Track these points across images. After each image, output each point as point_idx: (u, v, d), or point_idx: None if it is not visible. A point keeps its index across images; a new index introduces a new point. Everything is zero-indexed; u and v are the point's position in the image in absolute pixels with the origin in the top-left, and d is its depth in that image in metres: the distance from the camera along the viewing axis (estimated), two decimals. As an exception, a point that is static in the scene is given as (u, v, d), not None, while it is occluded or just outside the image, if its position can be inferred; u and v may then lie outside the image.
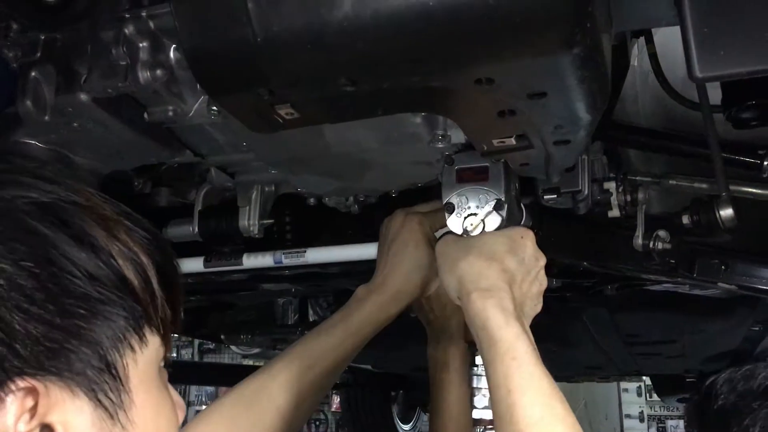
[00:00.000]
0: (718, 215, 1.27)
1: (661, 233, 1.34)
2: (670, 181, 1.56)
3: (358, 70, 0.76)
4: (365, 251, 1.55)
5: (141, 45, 1.08)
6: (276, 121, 0.88)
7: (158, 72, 1.09)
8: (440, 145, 1.14)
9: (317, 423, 7.98)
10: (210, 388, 7.91)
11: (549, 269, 1.85)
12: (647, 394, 9.76)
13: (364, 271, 1.76)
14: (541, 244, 1.10)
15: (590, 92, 0.81)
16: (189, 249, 1.68)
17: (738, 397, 0.98)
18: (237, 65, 0.78)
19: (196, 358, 7.91)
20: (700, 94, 1.35)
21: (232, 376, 5.27)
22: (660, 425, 9.92)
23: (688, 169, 1.60)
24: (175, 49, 1.08)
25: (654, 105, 1.61)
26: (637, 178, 1.49)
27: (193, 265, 1.65)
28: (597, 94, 0.82)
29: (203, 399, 8.03)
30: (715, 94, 1.37)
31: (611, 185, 1.35)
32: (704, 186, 1.52)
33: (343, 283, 2.05)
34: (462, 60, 0.73)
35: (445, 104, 0.86)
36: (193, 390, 8.00)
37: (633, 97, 1.61)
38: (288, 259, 1.57)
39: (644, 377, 6.01)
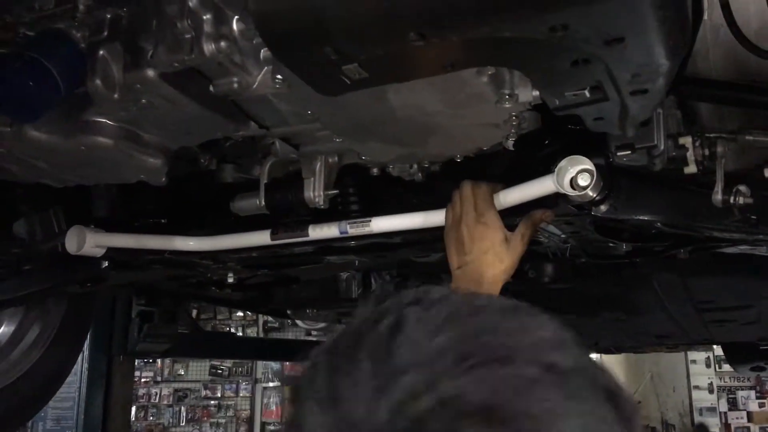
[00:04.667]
0: (803, 166, 1.21)
1: (742, 188, 1.28)
2: (747, 137, 1.49)
3: (427, 23, 0.74)
4: (430, 219, 1.54)
5: (205, 17, 1.08)
6: (343, 81, 0.87)
7: (222, 44, 1.09)
8: (507, 105, 1.11)
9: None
10: (276, 365, 8.08)
11: (619, 233, 1.81)
12: (716, 365, 9.50)
13: (429, 239, 1.75)
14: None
15: (671, 35, 0.77)
16: (255, 223, 1.71)
17: None
18: (304, 23, 0.77)
19: (261, 336, 8.08)
20: (779, 41, 1.28)
21: (296, 352, 5.36)
22: (730, 396, 9.66)
23: (764, 123, 1.53)
24: (237, 20, 1.09)
25: (726, 59, 1.54)
26: (713, 135, 1.43)
27: (260, 238, 1.67)
28: (677, 38, 0.78)
29: (269, 376, 8.21)
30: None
31: (687, 140, 1.30)
32: (784, 140, 1.45)
33: (407, 254, 2.04)
34: (536, 6, 0.71)
35: (517, 56, 0.84)
36: (260, 366, 8.18)
37: (704, 52, 1.55)
38: (353, 229, 1.57)
39: (713, 347, 5.84)
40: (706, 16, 1.47)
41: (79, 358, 3.45)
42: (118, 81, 1.18)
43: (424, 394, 0.48)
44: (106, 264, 1.83)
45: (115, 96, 1.19)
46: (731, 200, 1.28)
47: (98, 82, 1.18)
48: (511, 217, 1.52)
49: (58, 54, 1.17)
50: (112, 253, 1.75)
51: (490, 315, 0.57)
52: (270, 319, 7.72)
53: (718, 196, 1.28)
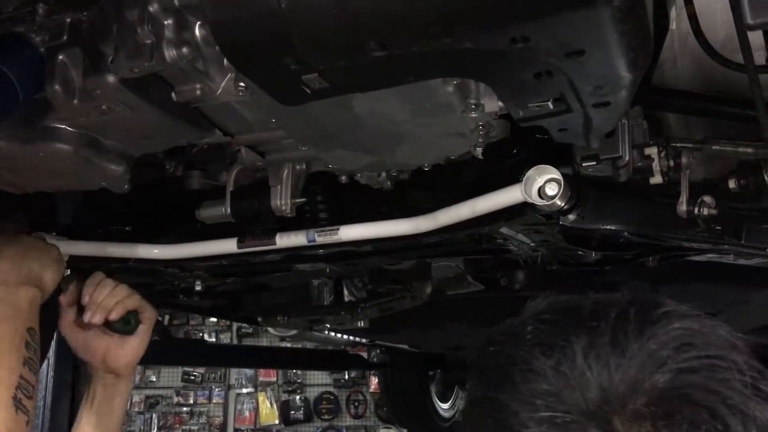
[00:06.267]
0: (766, 178, 1.22)
1: (707, 198, 1.29)
2: (713, 147, 1.50)
3: (387, 34, 0.73)
4: (399, 227, 1.53)
5: (166, 23, 1.06)
6: (303, 91, 0.86)
7: (184, 50, 1.07)
8: (473, 115, 1.11)
9: (356, 404, 8.02)
10: (249, 371, 8.01)
11: (588, 242, 1.81)
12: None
13: (398, 248, 1.74)
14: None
15: (631, 49, 0.77)
16: (222, 231, 1.68)
17: None
18: (262, 34, 0.75)
19: (235, 342, 8.00)
20: (744, 53, 1.29)
21: (270, 359, 5.33)
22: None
23: (730, 133, 1.54)
24: (200, 26, 1.07)
25: (693, 68, 1.55)
26: (678, 144, 1.44)
27: (226, 246, 1.65)
28: (638, 51, 0.78)
29: (243, 382, 8.14)
30: (758, 55, 1.32)
31: (653, 151, 1.30)
32: (749, 150, 1.46)
33: (378, 262, 2.03)
34: (496, 18, 0.70)
35: (479, 67, 0.83)
36: (233, 372, 8.10)
37: (671, 61, 1.56)
38: (321, 237, 1.55)
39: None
40: (674, 26, 1.49)
41: (45, 366, 3.38)
42: (78, 86, 1.15)
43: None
44: (68, 272, 1.79)
45: (75, 102, 1.16)
46: (696, 211, 1.29)
47: (57, 87, 1.15)
48: (479, 226, 1.51)
49: (17, 58, 1.14)
50: (74, 261, 1.71)
51: None
52: (244, 325, 7.66)
53: (682, 207, 1.28)
